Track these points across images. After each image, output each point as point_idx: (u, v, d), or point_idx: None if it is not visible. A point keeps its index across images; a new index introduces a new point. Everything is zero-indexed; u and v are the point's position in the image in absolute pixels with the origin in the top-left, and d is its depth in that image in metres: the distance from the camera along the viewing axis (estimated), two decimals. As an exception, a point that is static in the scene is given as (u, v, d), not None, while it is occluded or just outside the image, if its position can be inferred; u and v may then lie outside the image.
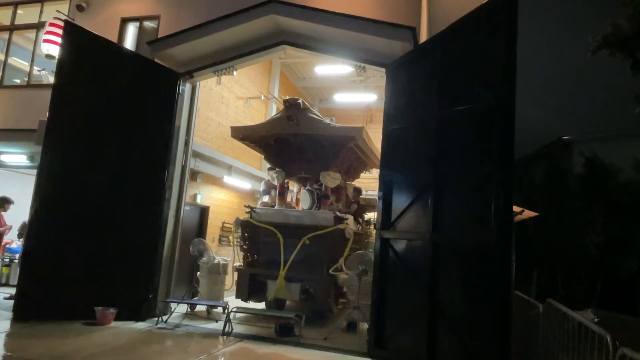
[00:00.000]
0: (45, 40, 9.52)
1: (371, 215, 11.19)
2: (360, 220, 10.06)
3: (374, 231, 7.17)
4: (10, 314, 6.75)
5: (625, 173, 13.73)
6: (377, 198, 6.52)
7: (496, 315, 4.63)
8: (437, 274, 5.39)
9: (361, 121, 14.16)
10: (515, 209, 7.45)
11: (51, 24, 9.53)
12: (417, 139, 6.07)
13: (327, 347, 6.28)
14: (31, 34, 11.17)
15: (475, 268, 5.02)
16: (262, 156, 10.70)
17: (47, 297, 6.58)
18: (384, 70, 6.95)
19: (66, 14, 10.01)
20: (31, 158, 10.43)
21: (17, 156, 10.77)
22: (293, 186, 11.22)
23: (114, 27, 9.72)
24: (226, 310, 6.96)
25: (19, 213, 8.86)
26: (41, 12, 10.79)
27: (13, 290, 7.39)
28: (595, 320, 5.68)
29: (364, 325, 6.87)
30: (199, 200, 9.92)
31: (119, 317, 6.78)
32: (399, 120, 6.42)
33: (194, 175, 9.54)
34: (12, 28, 11.18)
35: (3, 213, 8.94)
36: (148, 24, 9.81)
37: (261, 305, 8.54)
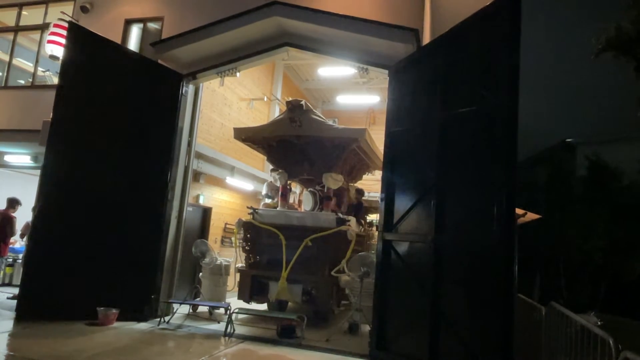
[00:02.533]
0: (50, 42, 9.56)
1: (374, 217, 11.19)
2: (362, 221, 10.05)
3: (377, 233, 7.16)
4: (13, 314, 6.77)
5: (628, 176, 13.67)
6: (379, 200, 6.52)
7: (499, 318, 4.61)
8: (439, 276, 5.37)
9: (364, 123, 14.19)
10: (518, 211, 7.43)
11: (55, 25, 9.58)
12: (420, 141, 6.06)
13: (328, 348, 6.28)
14: (35, 35, 11.24)
15: (477, 270, 5.00)
16: (265, 157, 10.71)
17: (50, 297, 6.61)
18: (386, 72, 6.95)
19: (70, 15, 10.07)
20: (35, 158, 10.48)
21: (21, 156, 10.83)
22: (295, 187, 11.22)
23: (117, 29, 9.76)
24: (228, 312, 6.97)
25: (23, 213, 8.90)
26: (45, 13, 10.85)
27: (16, 290, 7.42)
28: (598, 323, 5.66)
29: (366, 327, 6.87)
30: (201, 201, 9.94)
31: (121, 318, 6.80)
32: (401, 122, 6.42)
33: (197, 176, 9.56)
34: (16, 29, 11.24)
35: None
36: (152, 25, 9.85)
37: (263, 307, 8.54)
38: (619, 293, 12.43)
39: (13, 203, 8.82)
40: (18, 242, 10.62)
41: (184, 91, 7.99)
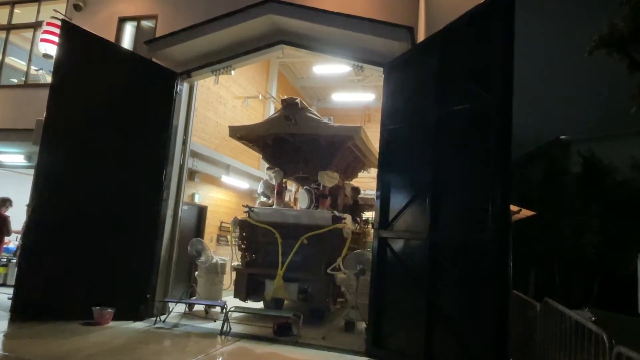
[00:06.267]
0: (43, 40, 9.50)
1: (369, 215, 11.20)
2: (358, 219, 10.06)
3: (372, 231, 7.18)
4: (8, 314, 6.73)
5: (622, 172, 13.79)
6: (375, 197, 6.53)
7: (494, 315, 4.65)
8: (434, 273, 5.39)
9: (359, 121, 14.16)
10: (513, 208, 7.48)
11: (48, 24, 9.51)
12: (415, 139, 6.07)
13: (325, 346, 6.29)
14: (28, 33, 11.15)
15: (472, 267, 5.03)
16: (260, 156, 10.69)
17: (45, 297, 6.59)
18: (381, 69, 6.95)
19: (63, 13, 9.99)
20: (28, 158, 10.41)
21: (15, 156, 10.75)
22: (291, 186, 11.21)
23: (111, 27, 9.70)
24: (224, 310, 6.96)
25: (17, 213, 8.84)
26: (38, 11, 10.77)
27: (11, 291, 7.38)
28: (592, 319, 5.71)
29: (362, 325, 6.89)
30: (197, 199, 9.92)
31: (117, 317, 6.77)
32: (396, 120, 6.43)
33: (192, 174, 9.53)
34: (9, 27, 11.15)
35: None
36: (146, 23, 9.80)
37: (259, 305, 8.54)
38: (613, 289, 12.54)
39: (4, 202, 8.76)
40: (12, 242, 10.56)
41: (178, 89, 7.96)
